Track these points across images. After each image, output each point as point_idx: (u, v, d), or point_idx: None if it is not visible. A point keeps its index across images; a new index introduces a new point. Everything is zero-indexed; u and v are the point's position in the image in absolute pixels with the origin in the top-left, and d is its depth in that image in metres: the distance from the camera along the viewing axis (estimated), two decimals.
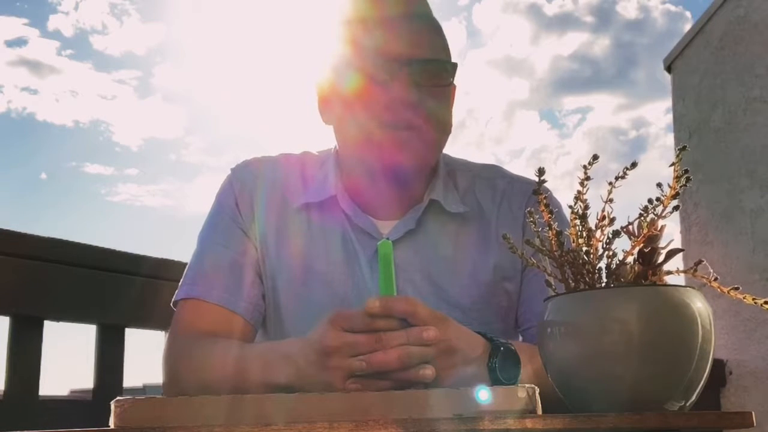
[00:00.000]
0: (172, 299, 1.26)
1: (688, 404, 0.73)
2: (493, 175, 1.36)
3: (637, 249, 0.77)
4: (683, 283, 0.77)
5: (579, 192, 0.79)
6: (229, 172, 1.34)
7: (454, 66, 1.24)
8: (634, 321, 0.71)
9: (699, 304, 0.73)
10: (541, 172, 0.82)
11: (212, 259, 1.26)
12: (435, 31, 1.24)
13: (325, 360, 0.95)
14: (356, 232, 1.26)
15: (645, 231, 0.77)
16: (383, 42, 1.19)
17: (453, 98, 1.29)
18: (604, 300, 0.75)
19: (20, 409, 1.44)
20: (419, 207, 1.27)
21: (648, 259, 0.76)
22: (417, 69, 1.18)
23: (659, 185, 0.77)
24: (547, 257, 0.81)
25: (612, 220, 0.78)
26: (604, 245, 0.78)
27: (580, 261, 0.78)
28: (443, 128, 1.24)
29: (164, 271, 1.68)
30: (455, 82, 1.27)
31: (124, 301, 1.67)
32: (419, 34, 1.21)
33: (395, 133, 1.18)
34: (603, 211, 0.79)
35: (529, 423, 0.67)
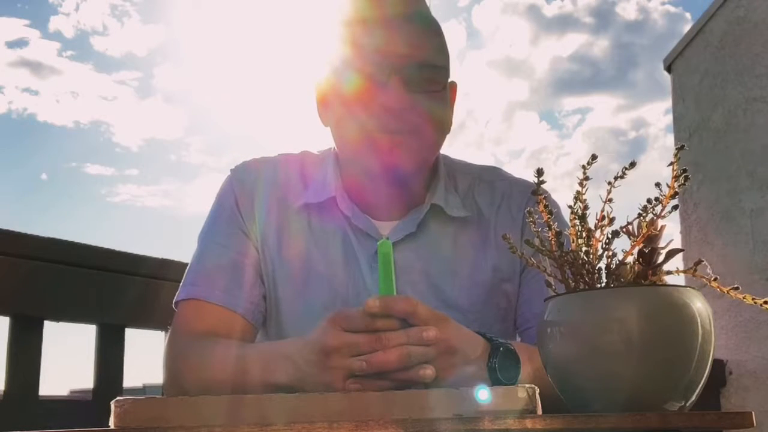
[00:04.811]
0: (173, 300, 1.27)
1: (688, 404, 0.73)
2: (492, 177, 1.36)
3: (636, 249, 0.77)
4: (683, 283, 0.77)
5: (578, 192, 0.79)
6: (229, 172, 1.34)
7: (447, 70, 1.24)
8: (633, 321, 0.71)
9: (699, 304, 0.73)
10: (539, 173, 0.82)
11: (213, 259, 1.26)
12: (432, 30, 1.23)
13: (325, 360, 0.95)
14: (356, 233, 1.26)
15: (644, 231, 0.77)
16: (381, 43, 1.18)
17: (454, 97, 1.29)
18: (603, 300, 0.75)
19: (20, 409, 1.44)
20: (420, 209, 1.27)
21: (648, 259, 0.76)
22: (410, 73, 1.17)
23: (658, 185, 0.77)
24: (546, 257, 0.81)
25: (611, 220, 0.78)
26: (604, 245, 0.78)
27: (580, 261, 0.78)
28: (440, 129, 1.24)
29: (164, 271, 1.68)
30: (455, 79, 1.27)
31: (124, 301, 1.67)
32: (416, 35, 1.20)
33: (391, 136, 1.17)
34: (602, 211, 0.79)
35: (529, 423, 0.67)
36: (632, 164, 0.79)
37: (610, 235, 0.78)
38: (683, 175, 0.77)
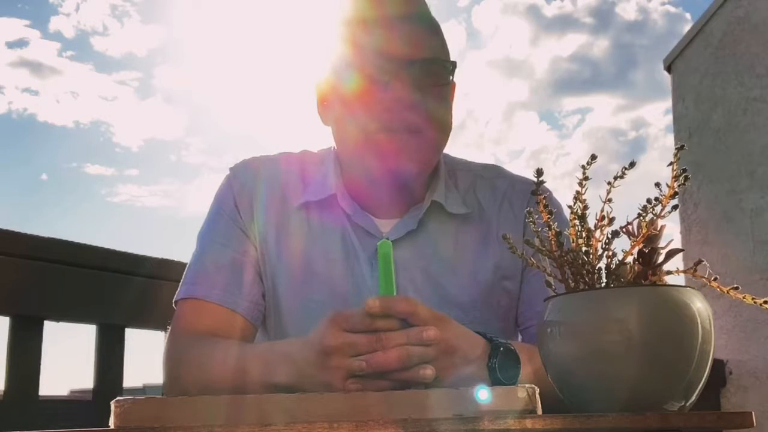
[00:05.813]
0: (173, 299, 1.27)
1: (688, 404, 0.73)
2: (493, 175, 1.36)
3: (636, 249, 0.77)
4: (683, 283, 0.77)
5: (578, 192, 0.79)
6: (228, 171, 1.34)
7: (454, 64, 1.24)
8: (633, 321, 0.71)
9: (699, 305, 0.73)
10: (539, 173, 0.82)
11: (212, 258, 1.26)
12: (433, 30, 1.24)
13: (325, 360, 0.95)
14: (356, 231, 1.26)
15: (644, 231, 0.77)
16: (382, 43, 1.19)
17: (453, 96, 1.29)
18: (603, 300, 0.75)
19: (20, 409, 1.44)
20: (420, 207, 1.27)
21: (648, 259, 0.76)
22: (416, 69, 1.18)
23: (657, 185, 0.77)
24: (546, 257, 0.81)
25: (611, 220, 0.78)
26: (604, 245, 0.78)
27: (580, 261, 0.78)
28: (444, 128, 1.24)
29: (164, 271, 1.68)
30: (455, 80, 1.27)
31: (124, 301, 1.67)
32: (418, 34, 1.21)
33: (395, 136, 1.17)
34: (602, 211, 0.79)
35: (529, 423, 0.67)
36: (632, 164, 0.79)
37: (610, 235, 0.78)
38: (683, 175, 0.77)
